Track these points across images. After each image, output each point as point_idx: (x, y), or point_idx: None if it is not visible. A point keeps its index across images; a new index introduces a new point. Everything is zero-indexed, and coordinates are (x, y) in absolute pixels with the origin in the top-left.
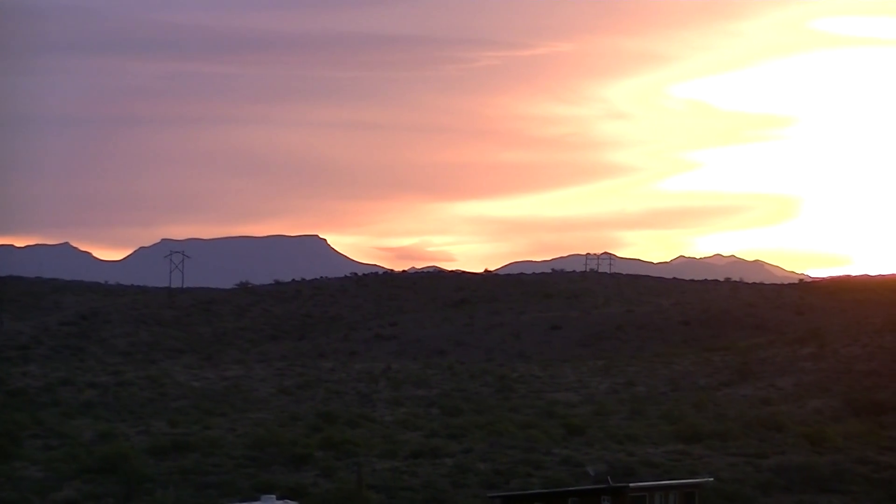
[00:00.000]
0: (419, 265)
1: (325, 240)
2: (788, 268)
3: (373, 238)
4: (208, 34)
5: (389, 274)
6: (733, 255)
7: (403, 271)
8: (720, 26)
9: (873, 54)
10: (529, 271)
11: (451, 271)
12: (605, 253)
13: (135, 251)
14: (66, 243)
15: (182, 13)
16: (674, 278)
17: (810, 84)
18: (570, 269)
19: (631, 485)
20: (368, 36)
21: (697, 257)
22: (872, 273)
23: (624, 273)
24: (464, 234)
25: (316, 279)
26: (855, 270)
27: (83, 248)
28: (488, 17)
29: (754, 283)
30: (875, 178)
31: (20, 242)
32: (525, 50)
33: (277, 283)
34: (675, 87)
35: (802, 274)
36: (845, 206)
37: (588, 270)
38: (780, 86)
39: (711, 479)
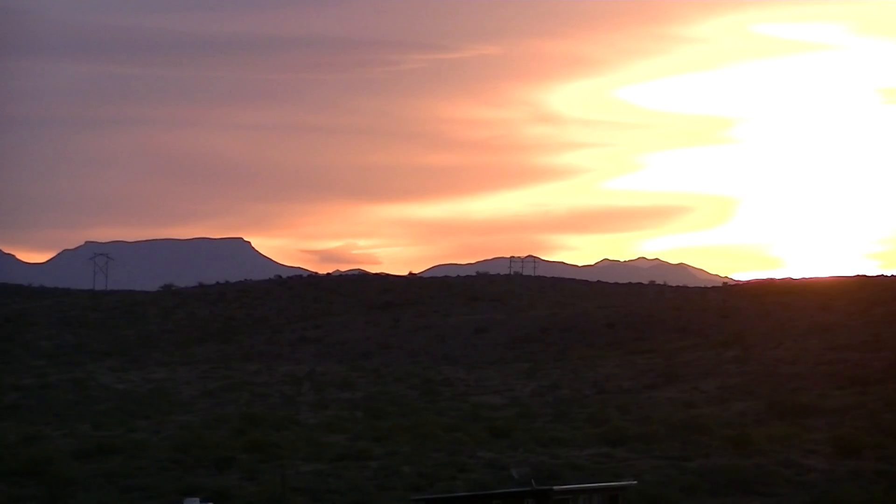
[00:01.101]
0: (344, 268)
1: (249, 242)
2: (712, 271)
3: (297, 241)
4: (132, 36)
5: (314, 276)
6: (657, 258)
7: (328, 274)
8: (648, 30)
9: (812, 59)
10: (454, 274)
11: (376, 274)
12: (530, 256)
13: (59, 253)
14: None
15: (104, 15)
16: (598, 281)
17: (737, 87)
18: (495, 272)
19: (555, 488)
20: (294, 38)
21: (622, 260)
22: (796, 276)
23: (548, 276)
24: (389, 237)
25: (240, 282)
26: (779, 274)
27: (7, 250)
28: (414, 19)
29: (679, 286)
30: (805, 182)
31: None
32: (451, 53)
33: (202, 285)
34: (602, 90)
35: (726, 277)
36: (771, 210)
37: (513, 273)
38: (710, 89)
39: (635, 481)
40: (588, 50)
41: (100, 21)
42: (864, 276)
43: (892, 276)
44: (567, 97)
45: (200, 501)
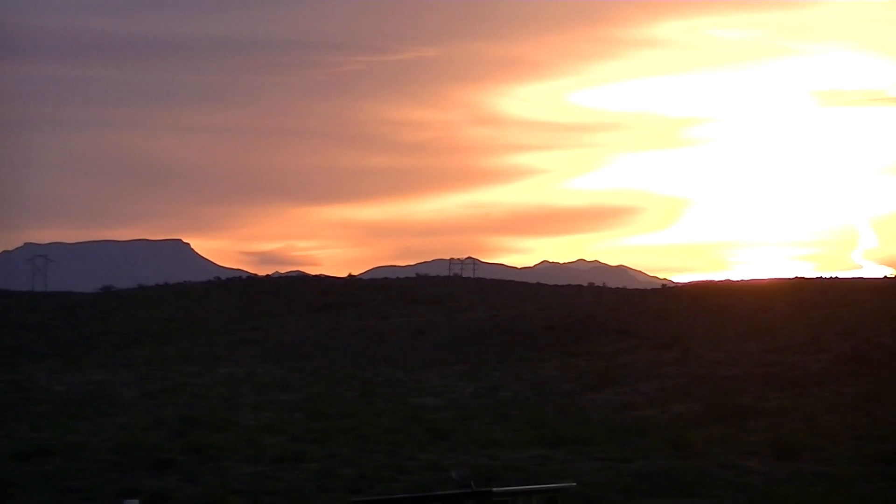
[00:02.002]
0: (283, 269)
1: (188, 244)
2: (651, 273)
3: (237, 242)
4: (72, 38)
5: (254, 278)
6: (597, 261)
7: (268, 276)
8: (589, 32)
9: (763, 63)
10: (394, 276)
11: (316, 276)
12: (470, 258)
13: None
14: None
15: (41, 16)
16: (538, 283)
17: (678, 89)
18: (435, 274)
19: (495, 489)
20: (234, 40)
21: (561, 262)
22: (735, 278)
23: (488, 278)
24: (328, 239)
25: (180, 283)
26: (718, 276)
27: None
28: (354, 21)
29: (618, 288)
30: (746, 184)
31: None
32: (391, 55)
33: (141, 287)
34: (543, 92)
35: (666, 279)
36: (711, 213)
37: (452, 275)
38: (649, 92)
39: (575, 483)
40: (528, 52)
41: (39, 23)
42: (803, 278)
43: (831, 278)
44: (507, 99)
45: (139, 503)
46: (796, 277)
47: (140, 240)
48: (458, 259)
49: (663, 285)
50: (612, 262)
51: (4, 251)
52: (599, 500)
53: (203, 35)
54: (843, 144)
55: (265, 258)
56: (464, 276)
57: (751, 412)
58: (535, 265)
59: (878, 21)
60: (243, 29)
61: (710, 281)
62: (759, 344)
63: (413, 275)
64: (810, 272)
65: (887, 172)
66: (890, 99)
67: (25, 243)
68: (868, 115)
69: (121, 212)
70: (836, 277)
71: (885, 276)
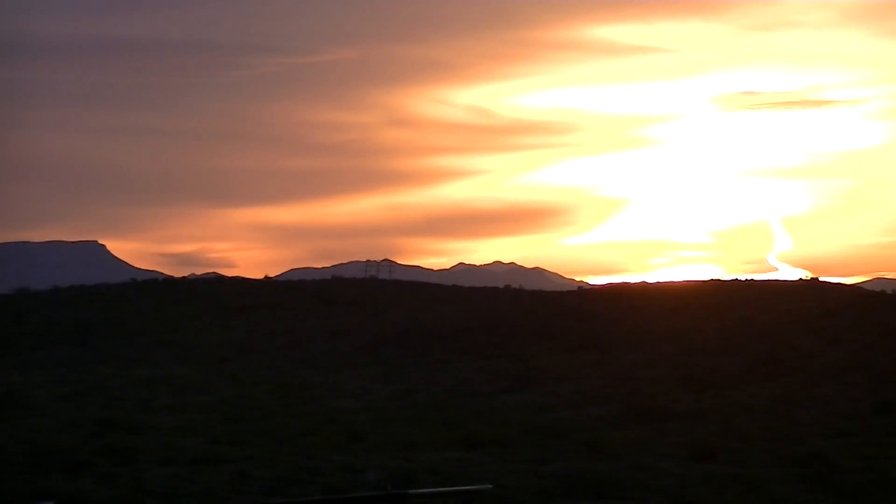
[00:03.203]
0: (200, 271)
1: (104, 246)
2: (568, 275)
3: (153, 244)
4: None
5: (170, 280)
6: (513, 263)
7: (184, 277)
8: (504, 35)
9: (653, 62)
10: (310, 278)
11: (232, 277)
12: (386, 260)
13: None
14: None
15: None
16: (454, 285)
17: (592, 91)
18: (351, 276)
19: (411, 491)
20: (149, 41)
21: (477, 264)
22: (651, 280)
23: (405, 280)
24: (245, 241)
25: (96, 285)
26: (634, 278)
27: None
28: (270, 23)
29: (535, 290)
30: (656, 186)
31: None
32: (307, 56)
33: (57, 288)
34: (458, 93)
35: (582, 281)
36: (626, 214)
37: (368, 277)
38: (564, 93)
39: (491, 485)
40: (446, 55)
41: None
42: (718, 280)
43: (746, 280)
44: (425, 102)
45: None
46: (712, 280)
47: (56, 241)
48: (375, 261)
49: (580, 287)
50: (529, 265)
51: None
52: (515, 502)
53: (117, 36)
54: (757, 147)
55: (181, 260)
56: (380, 278)
57: (667, 414)
58: (452, 267)
59: (797, 25)
60: (158, 30)
61: (627, 283)
62: (675, 346)
63: (329, 276)
64: (726, 274)
65: (801, 175)
66: (807, 102)
67: None
68: (783, 118)
69: (36, 213)
70: (752, 280)
71: (801, 279)
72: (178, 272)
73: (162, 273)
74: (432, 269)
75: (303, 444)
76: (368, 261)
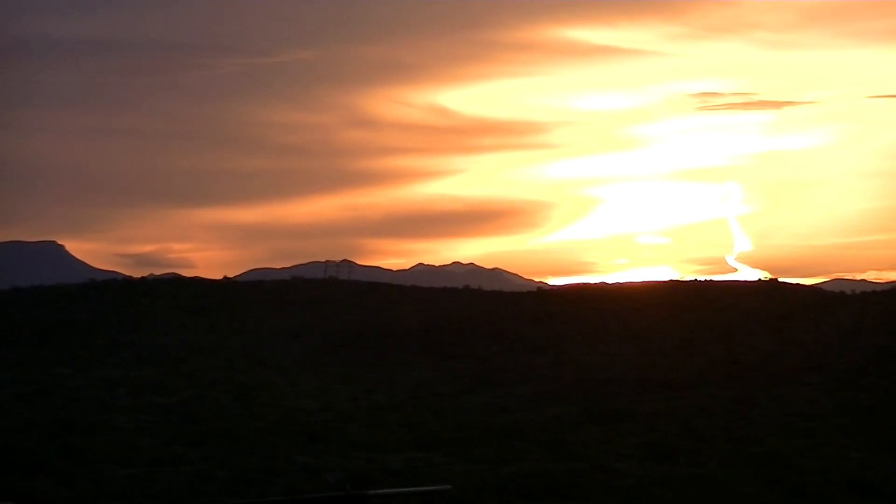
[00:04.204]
0: (159, 272)
1: (63, 246)
2: (527, 276)
3: (112, 244)
4: None
5: (129, 280)
6: (472, 263)
7: (143, 278)
8: (465, 35)
9: (612, 64)
10: (269, 278)
11: (191, 278)
12: (345, 260)
13: None
14: None
15: None
16: (413, 286)
17: (552, 93)
18: (310, 277)
19: (370, 492)
20: (109, 41)
21: (436, 265)
22: (610, 281)
23: (364, 281)
24: (204, 241)
25: (55, 286)
26: (593, 279)
27: None
28: (229, 24)
29: (493, 290)
30: (620, 187)
31: None
32: (266, 57)
33: (15, 289)
34: (418, 94)
35: (541, 282)
36: (587, 215)
37: (328, 278)
38: (528, 94)
39: (450, 486)
40: (404, 55)
41: None
42: (677, 281)
43: (705, 281)
44: (384, 102)
45: None
46: (670, 280)
47: (14, 241)
48: (334, 262)
49: (539, 288)
50: (488, 266)
51: None
52: (475, 503)
53: (76, 36)
54: (716, 148)
55: (140, 260)
56: (339, 278)
57: (625, 415)
58: (411, 268)
59: (756, 26)
60: (118, 31)
61: (585, 284)
62: (634, 347)
63: (288, 277)
64: (684, 275)
65: (760, 175)
66: (765, 103)
67: None
68: (741, 119)
69: None
70: (711, 280)
71: (760, 280)
72: (136, 273)
73: (121, 273)
74: (391, 270)
75: (262, 445)
76: (328, 261)
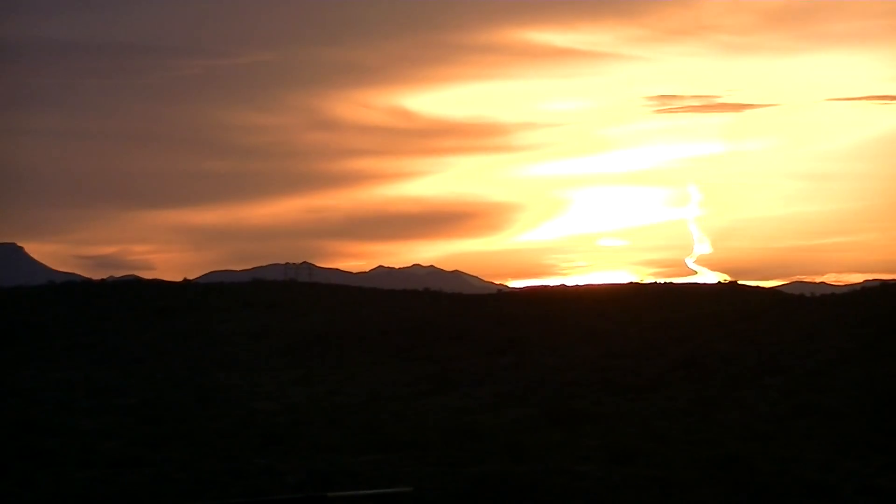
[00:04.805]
0: (119, 273)
1: (22, 248)
2: (487, 278)
3: (72, 247)
4: None
5: (88, 282)
6: (432, 265)
7: (102, 280)
8: (426, 37)
9: (573, 65)
10: (229, 280)
11: (151, 280)
12: (305, 262)
13: None
14: None
15: None
16: (373, 288)
17: (512, 95)
18: (271, 279)
19: (330, 494)
20: (70, 42)
21: (397, 267)
22: (570, 283)
23: (324, 283)
24: (164, 243)
25: (14, 288)
26: (553, 281)
27: None
28: (190, 26)
29: (454, 293)
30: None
31: None
32: (227, 59)
33: None
34: (379, 96)
35: (501, 284)
36: (548, 217)
37: (288, 280)
38: (490, 96)
39: (411, 488)
40: (366, 57)
41: None
42: (637, 283)
43: (665, 283)
44: (345, 104)
45: None
46: (630, 283)
47: None
48: (294, 263)
49: (499, 290)
50: (448, 268)
51: None
52: None
53: (35, 37)
54: (676, 150)
55: (100, 262)
56: (299, 280)
57: (586, 417)
58: (371, 270)
59: (715, 28)
60: (80, 32)
61: (546, 286)
62: (594, 349)
63: (248, 279)
64: (645, 277)
65: (720, 178)
66: (726, 105)
67: None
68: (702, 121)
69: None
70: (671, 283)
71: (719, 282)
72: (96, 274)
73: (80, 275)
74: (351, 272)
75: (222, 447)
76: (288, 263)
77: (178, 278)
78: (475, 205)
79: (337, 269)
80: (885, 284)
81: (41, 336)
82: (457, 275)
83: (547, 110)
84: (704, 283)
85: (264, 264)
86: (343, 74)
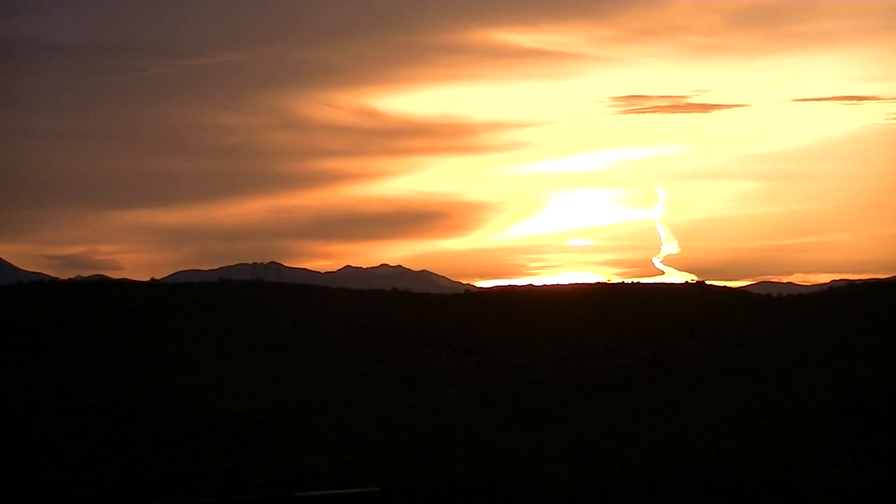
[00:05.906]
0: (86, 273)
1: None
2: (454, 278)
3: (39, 246)
4: None
5: (55, 282)
6: (400, 265)
7: (70, 279)
8: (396, 38)
9: (542, 66)
10: (196, 280)
11: (118, 279)
12: (273, 262)
13: None
14: None
15: None
16: (341, 288)
17: (481, 95)
18: (238, 279)
19: (297, 494)
20: (38, 42)
21: (364, 267)
22: (537, 283)
23: (291, 283)
24: (131, 243)
25: None
26: (520, 281)
27: None
28: (159, 25)
29: (421, 293)
30: (549, 189)
31: None
32: (196, 59)
33: None
34: (347, 96)
35: (468, 284)
36: (515, 218)
37: (255, 280)
38: (459, 97)
39: (378, 488)
40: (334, 57)
41: None
42: (604, 283)
43: (632, 283)
44: (312, 104)
45: None
46: (598, 283)
47: None
48: (262, 264)
49: (466, 290)
50: (416, 268)
51: None
52: None
53: (3, 37)
54: (643, 150)
55: (67, 262)
56: (267, 280)
57: (553, 417)
58: (339, 270)
59: (683, 29)
60: (46, 32)
61: (513, 286)
62: (562, 349)
63: (216, 279)
64: (612, 277)
65: (687, 178)
66: (693, 106)
67: None
68: (669, 122)
69: None
70: (638, 283)
71: (687, 282)
72: (63, 274)
73: (48, 275)
74: (319, 272)
75: (189, 447)
76: (255, 263)
77: (146, 278)
78: (443, 205)
79: (304, 269)
80: (851, 284)
81: (7, 336)
82: (424, 275)
83: (515, 111)
84: (671, 284)
85: (232, 264)
86: (311, 74)
